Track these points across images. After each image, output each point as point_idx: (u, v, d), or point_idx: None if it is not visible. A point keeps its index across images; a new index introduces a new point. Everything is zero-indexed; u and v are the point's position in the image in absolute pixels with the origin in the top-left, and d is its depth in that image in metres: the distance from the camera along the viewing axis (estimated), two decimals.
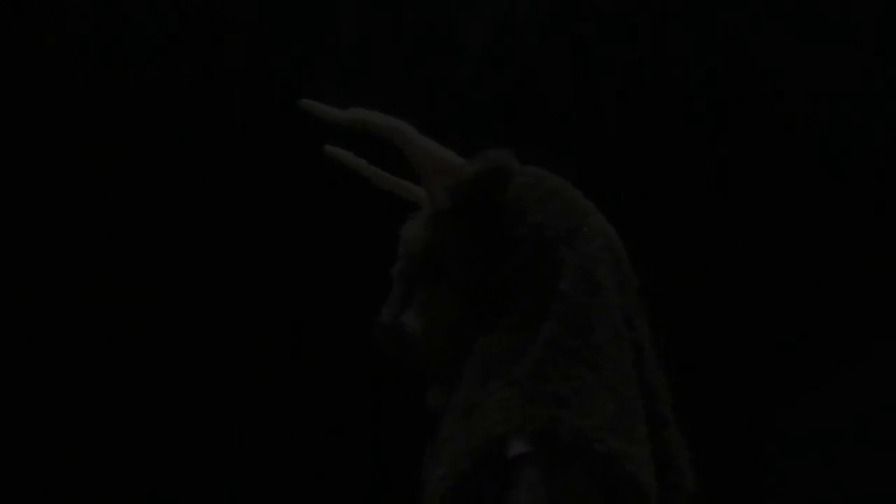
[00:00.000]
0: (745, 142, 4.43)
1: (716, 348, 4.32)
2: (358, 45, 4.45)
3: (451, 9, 4.47)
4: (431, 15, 4.46)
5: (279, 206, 4.33)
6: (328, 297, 4.31)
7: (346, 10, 4.43)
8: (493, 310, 1.97)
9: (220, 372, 4.26)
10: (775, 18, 4.46)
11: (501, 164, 2.01)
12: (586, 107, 4.46)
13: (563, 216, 2.00)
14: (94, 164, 4.26)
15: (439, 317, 2.04)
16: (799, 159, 4.39)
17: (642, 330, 2.05)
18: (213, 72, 4.38)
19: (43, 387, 4.16)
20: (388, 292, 2.13)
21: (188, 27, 4.37)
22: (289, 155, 4.28)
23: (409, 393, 2.27)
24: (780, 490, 4.29)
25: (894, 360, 4.25)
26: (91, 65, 4.31)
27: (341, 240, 4.31)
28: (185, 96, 4.33)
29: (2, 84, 4.24)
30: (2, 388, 4.14)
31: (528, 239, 1.97)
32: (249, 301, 4.30)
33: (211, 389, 4.25)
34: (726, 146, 4.43)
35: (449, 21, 4.47)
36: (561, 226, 1.98)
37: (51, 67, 4.26)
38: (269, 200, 4.33)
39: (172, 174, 4.30)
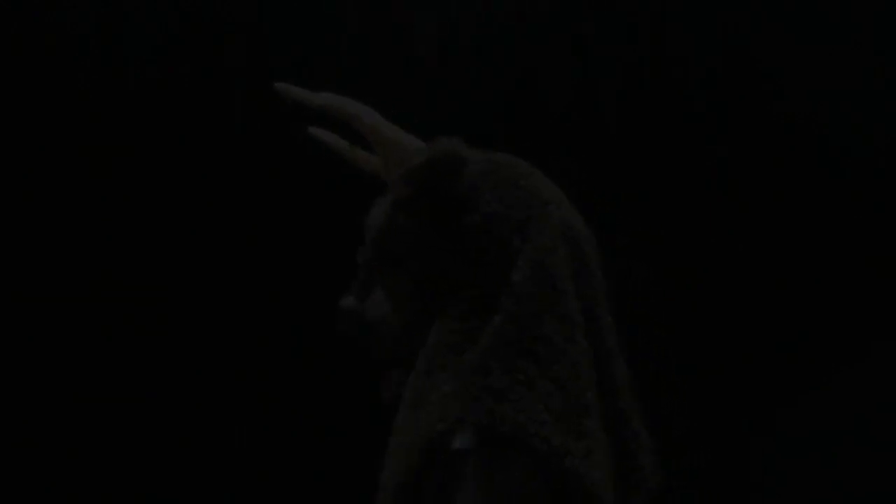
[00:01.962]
0: (744, 142, 4.43)
1: (714, 348, 4.32)
2: (358, 45, 4.46)
3: (451, 8, 4.47)
4: (430, 15, 4.47)
5: (278, 207, 4.34)
6: (327, 298, 4.31)
7: (346, 10, 4.44)
8: (447, 299, 1.96)
9: (218, 372, 4.27)
10: (775, 18, 4.45)
11: (453, 151, 1.99)
12: (586, 107, 4.46)
13: (518, 205, 1.98)
14: (93, 164, 4.28)
15: (398, 305, 2.04)
16: (799, 159, 4.38)
17: (605, 323, 2.01)
18: (213, 72, 4.40)
19: (42, 387, 4.17)
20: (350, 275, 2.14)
21: (188, 27, 4.39)
22: (288, 155, 4.29)
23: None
24: (779, 490, 4.27)
25: (894, 361, 4.24)
26: (91, 65, 4.33)
27: (341, 240, 4.31)
28: (185, 96, 4.35)
29: (1, 84, 4.27)
30: (1, 388, 4.16)
31: (481, 227, 1.96)
32: (249, 301, 4.31)
33: (209, 389, 4.25)
34: (726, 146, 4.42)
35: (448, 21, 4.48)
36: (515, 215, 1.97)
37: (51, 67, 4.29)
38: (269, 200, 4.34)
39: (172, 174, 4.31)
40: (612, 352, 2.01)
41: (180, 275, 4.32)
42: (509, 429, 1.83)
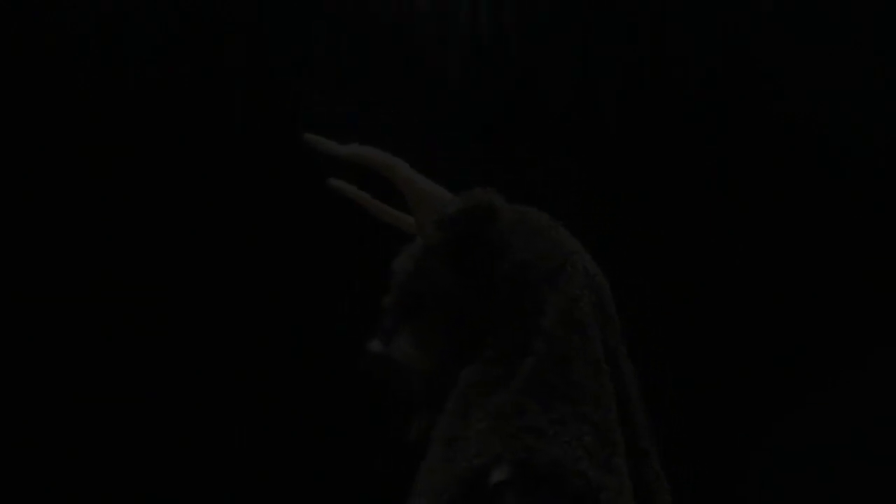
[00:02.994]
0: (744, 142, 4.44)
1: (714, 349, 4.34)
2: (358, 45, 4.46)
3: (450, 9, 4.47)
4: (430, 15, 4.47)
5: (278, 207, 4.35)
6: (327, 298, 4.33)
7: (345, 11, 4.44)
8: (477, 344, 2.02)
9: (217, 372, 4.28)
10: (775, 18, 4.46)
11: (487, 202, 2.05)
12: (586, 107, 4.47)
13: (546, 255, 2.05)
14: (93, 164, 4.27)
15: (426, 348, 2.09)
16: (799, 159, 4.40)
17: (625, 367, 2.10)
18: (213, 72, 4.39)
19: (41, 387, 4.18)
20: (378, 315, 2.18)
21: (188, 27, 4.39)
22: (288, 155, 4.29)
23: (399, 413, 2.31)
24: (776, 500, 4.31)
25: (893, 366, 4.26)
26: (91, 65, 4.32)
27: (341, 239, 4.33)
28: (185, 96, 4.34)
29: (1, 84, 4.26)
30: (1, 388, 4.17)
31: (512, 276, 2.02)
32: (248, 301, 4.32)
33: (209, 389, 4.26)
34: (726, 146, 4.44)
35: (447, 21, 4.48)
36: (544, 264, 2.04)
37: (51, 67, 4.28)
38: (269, 201, 4.35)
39: (172, 174, 4.31)
40: (633, 396, 2.10)
41: (179, 274, 4.32)
42: (547, 464, 1.90)
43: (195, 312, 4.32)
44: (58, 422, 4.19)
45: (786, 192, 4.42)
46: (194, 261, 4.32)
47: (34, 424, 4.18)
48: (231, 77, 4.41)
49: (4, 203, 4.25)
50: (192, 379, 4.30)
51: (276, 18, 4.42)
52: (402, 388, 2.10)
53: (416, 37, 4.46)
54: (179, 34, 4.37)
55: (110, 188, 4.30)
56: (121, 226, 4.29)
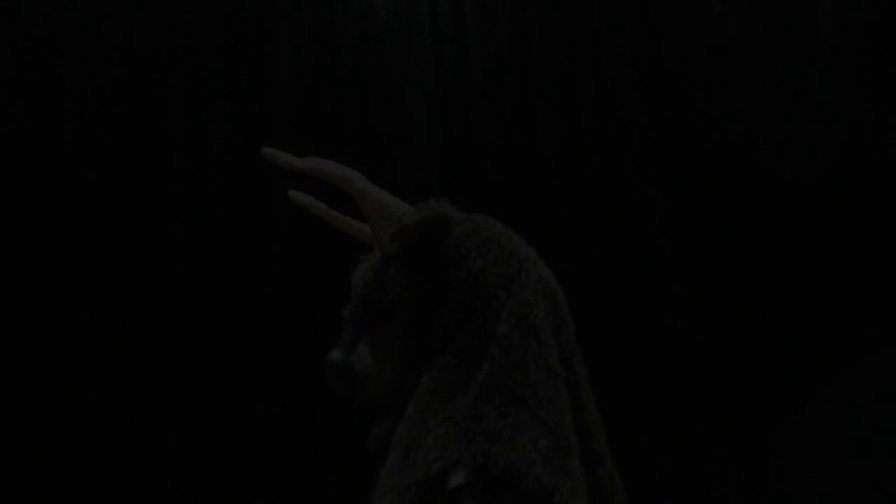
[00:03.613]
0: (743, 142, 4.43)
1: (712, 350, 4.34)
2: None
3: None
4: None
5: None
6: (326, 297, 4.32)
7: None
8: (434, 351, 2.08)
9: (216, 372, 4.29)
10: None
11: (442, 212, 2.11)
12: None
13: (501, 263, 2.11)
14: (92, 165, 4.28)
15: (386, 357, 2.14)
16: (798, 159, 4.39)
17: (579, 370, 2.15)
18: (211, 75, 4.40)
19: (41, 386, 4.19)
20: (338, 326, 2.23)
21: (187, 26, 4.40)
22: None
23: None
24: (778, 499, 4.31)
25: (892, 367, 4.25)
26: (91, 64, 4.34)
27: (339, 241, 4.32)
28: (185, 96, 4.36)
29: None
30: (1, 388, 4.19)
31: (468, 284, 2.08)
32: (247, 301, 4.32)
33: (207, 389, 4.28)
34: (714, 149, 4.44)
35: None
36: (499, 272, 2.10)
37: (51, 67, 4.29)
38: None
39: (171, 174, 4.31)
40: (587, 400, 2.16)
41: (178, 275, 4.32)
42: (503, 468, 1.97)
43: (193, 313, 4.31)
44: (55, 422, 4.20)
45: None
46: (193, 261, 4.31)
47: (35, 424, 4.20)
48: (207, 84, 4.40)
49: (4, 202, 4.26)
50: (188, 379, 4.31)
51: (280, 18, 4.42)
52: (363, 396, 2.15)
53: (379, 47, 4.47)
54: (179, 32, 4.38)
55: (109, 188, 4.29)
56: (120, 225, 4.28)
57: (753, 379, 4.31)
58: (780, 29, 4.43)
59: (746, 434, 4.30)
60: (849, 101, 4.35)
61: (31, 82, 4.23)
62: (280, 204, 4.17)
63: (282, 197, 2.46)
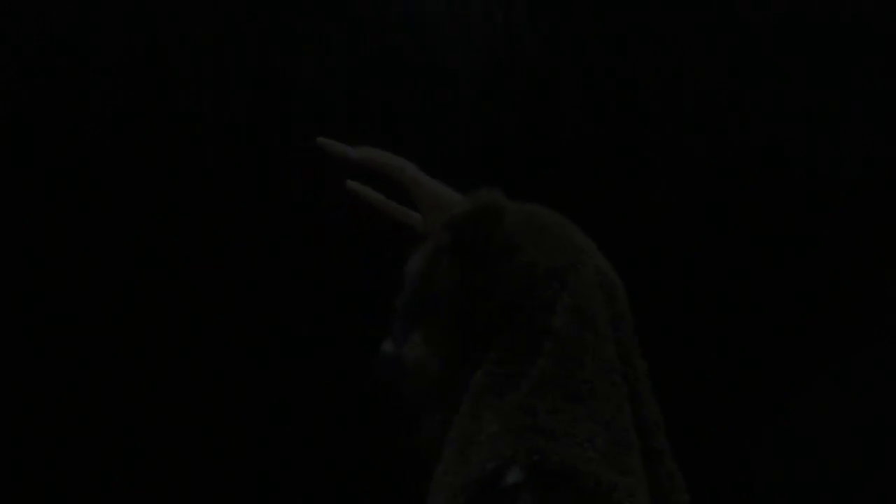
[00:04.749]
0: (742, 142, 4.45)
1: (729, 348, 4.35)
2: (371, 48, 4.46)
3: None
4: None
5: (291, 210, 4.34)
6: (326, 298, 4.33)
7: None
8: (486, 344, 2.03)
9: (228, 374, 4.28)
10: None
11: (494, 202, 2.06)
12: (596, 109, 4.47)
13: (556, 254, 2.05)
14: (93, 164, 4.27)
15: (437, 350, 2.09)
16: (795, 159, 4.40)
17: (638, 365, 2.09)
18: (220, 73, 4.39)
19: (40, 387, 4.18)
20: (390, 317, 2.18)
21: (193, 28, 4.40)
22: (288, 155, 4.30)
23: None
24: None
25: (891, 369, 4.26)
26: (91, 63, 4.32)
27: (340, 240, 4.33)
28: (185, 96, 4.35)
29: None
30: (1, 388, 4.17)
31: (521, 275, 2.03)
32: (263, 303, 4.32)
33: (207, 389, 4.27)
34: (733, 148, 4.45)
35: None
36: (553, 263, 2.04)
37: (50, 67, 4.27)
38: (281, 204, 4.35)
39: (171, 175, 4.31)
40: (646, 395, 2.09)
41: (178, 275, 4.32)
42: (559, 465, 1.90)
43: (204, 314, 4.31)
44: (55, 422, 4.19)
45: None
46: (193, 261, 4.32)
47: (35, 424, 4.18)
48: (241, 79, 4.40)
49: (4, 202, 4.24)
50: (188, 379, 4.30)
51: (276, 18, 4.42)
52: (413, 390, 2.11)
53: (427, 38, 4.46)
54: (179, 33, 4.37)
55: (110, 188, 4.29)
56: (120, 225, 4.28)
57: (759, 379, 4.32)
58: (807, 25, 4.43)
59: (746, 434, 4.31)
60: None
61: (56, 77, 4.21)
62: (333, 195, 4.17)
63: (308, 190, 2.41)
